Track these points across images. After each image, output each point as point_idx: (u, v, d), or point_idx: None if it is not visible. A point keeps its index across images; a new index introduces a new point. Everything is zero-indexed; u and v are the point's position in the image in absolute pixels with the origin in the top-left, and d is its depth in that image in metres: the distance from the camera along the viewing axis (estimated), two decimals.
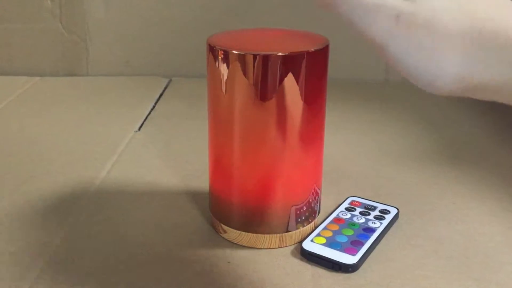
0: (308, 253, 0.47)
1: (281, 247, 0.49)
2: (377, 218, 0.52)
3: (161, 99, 0.90)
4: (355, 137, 0.75)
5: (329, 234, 0.49)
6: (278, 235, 0.49)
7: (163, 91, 0.94)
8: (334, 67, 0.97)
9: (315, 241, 0.48)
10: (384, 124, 0.80)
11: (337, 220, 0.52)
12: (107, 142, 0.73)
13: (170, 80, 0.99)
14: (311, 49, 0.44)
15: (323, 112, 0.49)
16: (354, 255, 0.46)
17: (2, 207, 0.56)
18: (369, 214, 0.53)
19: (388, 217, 0.52)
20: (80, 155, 0.69)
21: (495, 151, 0.70)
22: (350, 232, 0.49)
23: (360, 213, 0.53)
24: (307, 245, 0.48)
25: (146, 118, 0.82)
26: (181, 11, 0.99)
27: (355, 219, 0.52)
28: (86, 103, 0.88)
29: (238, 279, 0.45)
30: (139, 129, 0.78)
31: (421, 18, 0.32)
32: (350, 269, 0.45)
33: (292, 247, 0.49)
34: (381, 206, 0.54)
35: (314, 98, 0.46)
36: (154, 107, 0.86)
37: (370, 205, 0.54)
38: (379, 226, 0.50)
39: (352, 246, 0.47)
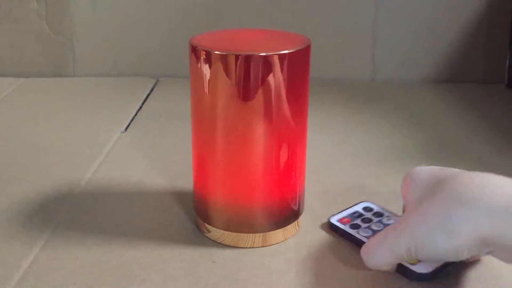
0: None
1: (265, 246, 0.50)
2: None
3: (148, 99, 0.90)
4: (340, 136, 0.76)
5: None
6: (261, 234, 0.49)
7: (150, 91, 0.94)
8: (321, 67, 0.98)
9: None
10: (370, 123, 0.81)
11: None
12: (94, 142, 0.73)
13: (157, 81, 0.99)
14: (293, 49, 0.45)
15: (305, 111, 0.49)
16: None
17: None
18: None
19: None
20: (66, 155, 0.69)
21: (478, 150, 0.71)
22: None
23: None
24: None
25: (132, 118, 0.82)
26: (168, 12, 0.99)
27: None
28: (73, 104, 0.88)
29: (223, 278, 0.46)
30: (126, 129, 0.78)
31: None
32: None
33: (276, 246, 0.50)
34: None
35: (296, 97, 0.47)
36: (141, 107, 0.86)
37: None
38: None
39: None
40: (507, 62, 0.98)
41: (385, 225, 0.50)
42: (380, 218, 0.51)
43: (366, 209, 0.53)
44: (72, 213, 0.55)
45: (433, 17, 0.98)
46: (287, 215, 0.50)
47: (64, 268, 0.47)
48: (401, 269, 0.45)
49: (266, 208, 0.48)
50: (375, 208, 0.53)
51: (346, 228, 0.50)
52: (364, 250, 0.44)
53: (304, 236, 0.52)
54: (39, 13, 1.00)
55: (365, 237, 0.48)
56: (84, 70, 1.02)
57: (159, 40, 1.00)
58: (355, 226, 0.50)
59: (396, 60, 1.00)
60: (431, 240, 0.38)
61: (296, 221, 0.51)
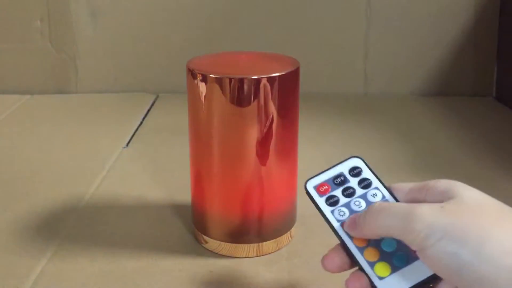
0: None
1: (259, 256, 0.53)
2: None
3: (148, 115, 0.93)
4: (332, 149, 0.79)
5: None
6: (255, 244, 0.52)
7: (150, 107, 0.97)
8: (314, 81, 1.01)
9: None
10: (361, 136, 0.84)
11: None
12: (96, 158, 0.76)
13: (157, 96, 1.03)
14: (283, 72, 0.48)
15: (296, 126, 0.52)
16: None
17: None
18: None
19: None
20: (70, 171, 0.72)
21: (467, 162, 0.74)
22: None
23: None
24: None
25: (134, 134, 0.85)
26: (167, 30, 1.03)
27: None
28: (76, 120, 0.91)
29: (220, 286, 0.48)
30: (127, 145, 0.81)
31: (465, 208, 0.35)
32: None
33: (270, 256, 0.53)
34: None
35: (287, 114, 0.50)
36: (141, 123, 0.90)
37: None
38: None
39: None
40: (495, 75, 1.02)
41: (368, 204, 0.41)
42: (365, 191, 0.42)
43: (354, 171, 0.43)
44: (77, 226, 0.58)
45: (423, 32, 1.01)
46: (280, 226, 0.53)
47: (71, 279, 0.50)
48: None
49: (260, 220, 0.51)
50: (364, 172, 0.43)
51: (321, 202, 0.42)
52: (369, 210, 0.38)
53: (296, 246, 0.54)
54: (43, 32, 1.03)
55: (338, 220, 0.40)
56: (86, 87, 1.05)
57: (159, 57, 1.04)
58: (333, 202, 0.41)
59: (387, 74, 1.03)
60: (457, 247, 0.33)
61: (289, 232, 0.54)
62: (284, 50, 0.59)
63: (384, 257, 0.38)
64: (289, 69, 0.49)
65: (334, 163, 0.44)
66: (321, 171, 0.43)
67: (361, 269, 0.38)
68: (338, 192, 0.42)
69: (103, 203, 0.63)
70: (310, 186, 0.43)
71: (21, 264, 0.52)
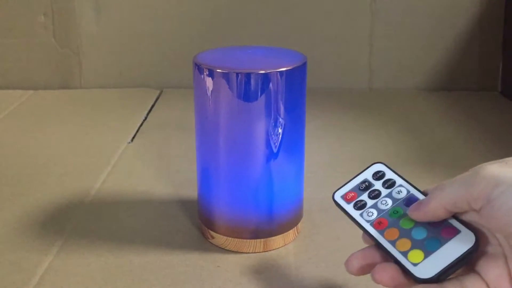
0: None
1: (266, 251, 0.53)
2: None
3: (152, 110, 0.93)
4: (338, 144, 0.79)
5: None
6: (262, 240, 0.52)
7: (155, 102, 0.97)
8: (319, 76, 1.01)
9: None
10: (367, 131, 0.83)
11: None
12: (101, 153, 0.75)
13: (161, 91, 1.02)
14: (290, 67, 0.48)
15: (303, 121, 0.52)
16: None
17: (1, 218, 0.59)
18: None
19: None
20: (75, 166, 0.72)
21: (472, 157, 0.74)
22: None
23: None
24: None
25: (138, 129, 0.85)
26: (171, 25, 1.02)
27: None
28: (80, 116, 0.91)
29: (227, 282, 0.48)
30: (132, 140, 0.81)
31: None
32: None
33: (277, 251, 0.53)
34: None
35: (294, 109, 0.50)
36: (146, 118, 0.89)
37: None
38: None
39: None
40: (501, 70, 1.01)
41: (394, 201, 0.43)
42: (390, 190, 0.44)
43: (377, 175, 0.45)
44: (83, 222, 0.58)
45: (428, 26, 1.01)
46: (287, 221, 0.53)
47: (78, 274, 0.50)
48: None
49: (267, 215, 0.51)
50: (388, 174, 0.45)
51: (350, 208, 0.44)
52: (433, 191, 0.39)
53: (303, 241, 0.54)
54: (47, 27, 1.03)
55: (368, 221, 0.42)
56: (91, 82, 1.05)
57: (163, 52, 1.03)
58: (360, 206, 0.44)
59: (392, 69, 1.03)
60: None
61: (295, 227, 0.54)
62: (289, 44, 0.59)
63: (416, 244, 0.39)
64: (296, 63, 0.49)
65: (358, 172, 0.46)
66: (346, 181, 0.46)
67: (395, 261, 0.39)
68: (364, 197, 0.44)
69: (109, 199, 0.63)
70: (338, 196, 0.45)
71: (28, 259, 0.52)
